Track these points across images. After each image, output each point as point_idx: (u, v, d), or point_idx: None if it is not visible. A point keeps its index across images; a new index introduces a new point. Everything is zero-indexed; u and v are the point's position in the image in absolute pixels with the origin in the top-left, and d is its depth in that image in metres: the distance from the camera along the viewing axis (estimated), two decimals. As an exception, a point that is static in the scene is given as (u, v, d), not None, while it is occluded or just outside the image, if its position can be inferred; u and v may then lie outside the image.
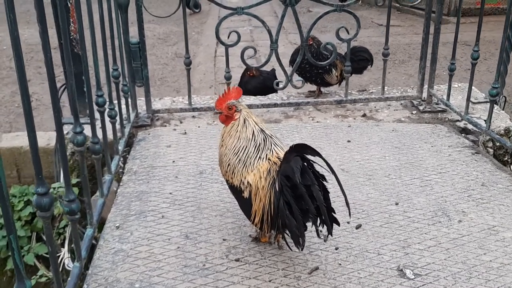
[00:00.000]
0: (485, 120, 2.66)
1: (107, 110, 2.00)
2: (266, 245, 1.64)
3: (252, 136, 1.58)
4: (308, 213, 1.40)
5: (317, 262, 1.57)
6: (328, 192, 1.45)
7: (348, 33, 2.72)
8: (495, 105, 3.01)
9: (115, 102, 2.21)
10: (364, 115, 2.85)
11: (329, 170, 1.41)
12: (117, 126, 2.19)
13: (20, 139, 3.40)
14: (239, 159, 1.56)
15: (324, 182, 1.46)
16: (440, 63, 3.70)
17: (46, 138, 3.39)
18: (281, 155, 1.52)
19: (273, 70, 3.55)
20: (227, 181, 1.63)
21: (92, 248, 1.64)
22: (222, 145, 1.63)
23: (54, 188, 2.72)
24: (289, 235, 1.46)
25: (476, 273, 1.53)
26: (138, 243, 1.64)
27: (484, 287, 1.47)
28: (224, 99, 1.62)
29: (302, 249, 1.46)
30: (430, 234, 1.72)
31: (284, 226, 1.45)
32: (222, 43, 2.65)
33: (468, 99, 2.57)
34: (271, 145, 1.58)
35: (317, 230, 1.45)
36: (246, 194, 1.54)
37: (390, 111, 2.92)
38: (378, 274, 1.51)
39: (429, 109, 2.88)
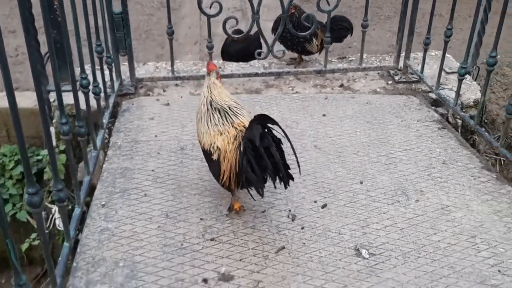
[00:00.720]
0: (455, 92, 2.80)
1: (91, 87, 2.11)
2: (240, 225, 1.81)
3: (212, 103, 1.85)
4: (267, 169, 1.63)
5: (284, 241, 1.75)
6: (283, 152, 1.67)
7: (329, 4, 2.77)
8: (468, 75, 3.13)
9: (99, 73, 2.30)
10: (341, 85, 2.96)
11: (284, 136, 1.67)
12: (102, 103, 2.29)
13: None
14: (207, 123, 1.82)
15: (281, 145, 1.68)
16: (420, 31, 3.76)
17: (33, 99, 3.45)
18: (247, 124, 1.74)
19: (257, 33, 3.58)
20: (200, 143, 1.88)
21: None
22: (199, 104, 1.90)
23: (43, 156, 2.85)
24: (252, 188, 1.73)
25: (424, 252, 1.73)
26: (122, 221, 1.81)
27: (429, 266, 1.67)
28: (212, 65, 1.96)
29: (262, 197, 1.71)
30: (388, 214, 1.90)
31: (247, 181, 1.68)
32: (205, 14, 2.69)
33: (439, 75, 2.69)
34: (236, 114, 1.83)
35: (274, 183, 1.68)
36: (215, 157, 1.78)
37: (367, 81, 3.03)
38: (337, 254, 1.70)
39: (404, 80, 2.99)
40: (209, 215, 1.85)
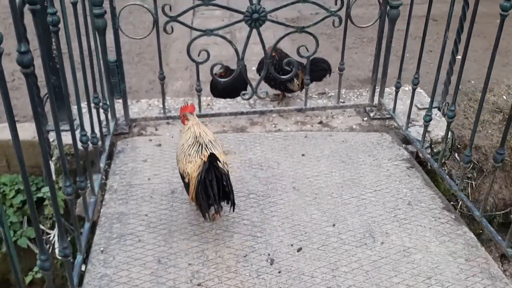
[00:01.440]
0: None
1: (90, 139, 2.34)
2: (224, 269, 2.05)
3: (190, 139, 2.25)
4: (210, 197, 2.08)
5: (262, 285, 1.98)
6: (228, 184, 2.14)
7: (307, 50, 3.00)
8: (438, 111, 3.39)
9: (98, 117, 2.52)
10: (320, 122, 3.20)
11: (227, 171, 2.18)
12: (99, 148, 2.51)
13: (8, 131, 3.66)
14: (184, 154, 2.23)
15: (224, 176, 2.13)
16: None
17: (32, 131, 3.65)
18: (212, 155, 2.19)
19: (244, 67, 3.81)
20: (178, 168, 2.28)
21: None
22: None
23: (44, 193, 3.07)
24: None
25: (385, 294, 1.97)
26: (119, 267, 2.04)
27: (389, 307, 1.92)
28: (184, 110, 2.38)
29: (206, 220, 2.22)
30: (355, 257, 2.15)
31: (199, 205, 2.16)
32: (193, 61, 2.91)
33: (408, 116, 2.94)
34: (206, 147, 2.22)
35: (216, 208, 2.19)
36: (186, 180, 2.21)
37: (345, 117, 3.27)
38: (309, 296, 1.95)
39: (379, 116, 3.24)
40: (196, 260, 2.09)
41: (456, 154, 3.74)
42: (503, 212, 4.04)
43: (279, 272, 2.05)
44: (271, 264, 2.09)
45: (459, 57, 5.14)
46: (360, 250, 2.18)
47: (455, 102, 2.46)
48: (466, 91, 4.46)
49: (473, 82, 4.69)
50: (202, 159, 2.15)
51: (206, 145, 2.22)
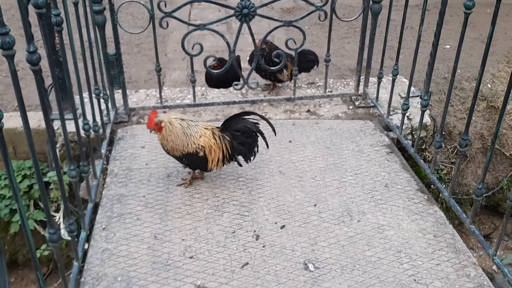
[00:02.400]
0: (407, 116, 3.26)
1: (91, 127, 2.55)
2: (213, 244, 2.27)
3: (181, 125, 2.47)
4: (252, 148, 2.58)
5: (248, 258, 2.21)
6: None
7: (295, 43, 3.19)
8: (419, 98, 3.58)
9: (99, 108, 2.74)
10: (308, 111, 3.40)
11: (268, 124, 2.61)
12: (100, 135, 2.73)
13: (14, 120, 3.87)
14: (187, 136, 2.47)
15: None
16: (391, 44, 4.18)
17: (37, 119, 3.87)
18: (214, 127, 2.56)
19: (238, 57, 4.00)
20: (182, 154, 2.49)
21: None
22: (168, 146, 2.50)
23: (49, 177, 3.29)
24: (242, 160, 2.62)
25: (358, 265, 2.19)
26: (119, 243, 2.26)
27: (361, 277, 2.14)
28: (150, 121, 2.48)
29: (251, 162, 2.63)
30: (333, 233, 2.37)
31: (237, 156, 2.59)
32: (187, 53, 3.11)
33: (389, 105, 3.14)
34: (197, 124, 2.54)
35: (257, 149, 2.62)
36: (201, 153, 2.49)
37: (331, 106, 3.47)
38: (289, 268, 2.17)
39: (363, 105, 3.44)
40: (189, 236, 2.31)
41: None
42: (485, 195, 4.26)
43: (263, 246, 2.27)
44: (256, 240, 2.31)
45: (447, 46, 5.33)
46: (338, 227, 2.40)
47: (428, 92, 2.65)
48: (451, 79, 4.64)
49: (459, 70, 4.86)
50: (208, 129, 2.52)
51: (195, 122, 2.51)
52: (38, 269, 1.60)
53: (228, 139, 2.53)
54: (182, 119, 2.51)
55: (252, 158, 2.59)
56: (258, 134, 2.57)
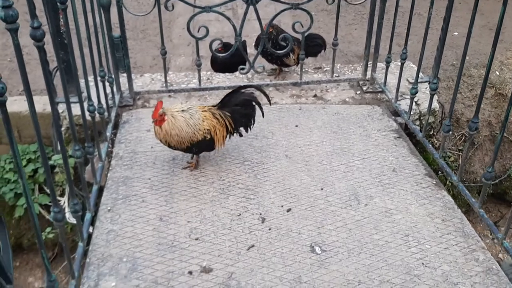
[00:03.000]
0: (415, 102, 3.23)
1: (96, 109, 2.53)
2: (219, 226, 2.25)
3: (183, 117, 2.44)
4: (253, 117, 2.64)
5: (254, 240, 2.19)
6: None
7: (302, 26, 3.15)
8: (428, 85, 3.53)
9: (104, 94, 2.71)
10: (315, 96, 3.36)
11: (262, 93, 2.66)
12: (105, 118, 2.70)
13: (18, 104, 3.85)
14: (192, 125, 2.44)
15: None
16: (399, 31, 4.12)
17: (42, 103, 3.85)
18: (210, 107, 2.57)
19: (244, 41, 3.96)
20: (191, 144, 2.46)
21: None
22: (173, 141, 2.44)
23: (54, 161, 3.28)
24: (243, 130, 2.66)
25: (366, 249, 2.17)
26: (124, 224, 2.24)
27: (368, 260, 2.11)
28: (156, 111, 2.40)
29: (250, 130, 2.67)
30: (340, 216, 2.34)
31: (239, 129, 2.63)
32: (193, 36, 3.07)
33: (397, 90, 3.10)
34: (197, 109, 2.52)
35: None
36: (208, 136, 2.49)
37: (338, 91, 3.43)
38: (295, 250, 2.15)
39: (371, 90, 3.40)
40: (194, 218, 2.29)
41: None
42: (492, 183, 4.21)
43: (269, 229, 2.25)
44: (262, 222, 2.29)
45: (455, 33, 5.27)
46: (345, 211, 2.37)
47: (437, 76, 2.61)
48: (462, 59, 4.58)
49: (467, 58, 4.79)
50: (206, 111, 2.52)
51: (193, 108, 2.50)
52: (43, 247, 1.59)
53: (229, 114, 2.55)
54: (183, 110, 2.48)
55: (252, 126, 2.66)
56: (255, 103, 2.61)
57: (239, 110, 2.57)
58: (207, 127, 2.48)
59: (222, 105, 2.58)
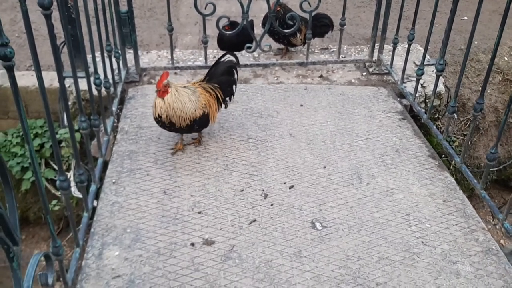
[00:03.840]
0: (421, 84, 3.22)
1: (103, 83, 2.54)
2: (222, 201, 2.28)
3: (186, 91, 2.46)
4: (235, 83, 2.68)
5: (256, 215, 2.21)
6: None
7: (310, 5, 3.13)
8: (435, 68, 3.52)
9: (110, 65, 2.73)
10: (321, 76, 3.36)
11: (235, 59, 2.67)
12: (111, 93, 2.72)
13: (26, 79, 3.88)
14: (193, 102, 2.46)
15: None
16: (407, 14, 4.10)
17: (49, 79, 3.87)
18: (199, 82, 2.60)
19: (251, 21, 3.94)
20: (192, 121, 2.45)
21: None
22: (174, 116, 2.41)
23: (60, 135, 3.31)
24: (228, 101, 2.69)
25: (366, 226, 2.19)
26: (129, 196, 2.28)
27: (368, 237, 2.14)
28: (161, 81, 2.39)
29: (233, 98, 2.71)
30: (342, 194, 2.36)
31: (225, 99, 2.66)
32: (200, 13, 3.07)
33: (403, 72, 3.09)
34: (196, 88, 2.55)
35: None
36: (206, 111, 2.51)
37: (344, 72, 3.43)
38: (296, 226, 2.17)
39: (377, 71, 3.39)
40: (197, 192, 2.32)
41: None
42: (496, 169, 4.22)
43: (272, 205, 2.28)
44: (264, 198, 2.31)
45: (465, 18, 5.22)
46: (347, 189, 2.39)
47: (444, 56, 2.59)
48: (469, 51, 4.55)
49: (476, 42, 4.76)
50: (197, 86, 2.55)
51: (190, 86, 2.53)
52: (49, 213, 1.62)
53: (218, 85, 2.58)
54: (185, 86, 2.49)
55: (234, 94, 2.71)
56: (234, 70, 2.67)
57: (225, 80, 2.61)
58: (203, 102, 2.51)
59: (209, 78, 2.60)
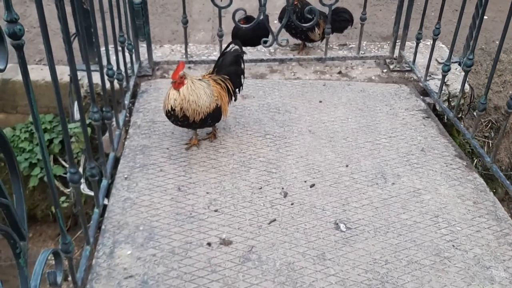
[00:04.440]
0: (445, 82, 3.08)
1: (115, 74, 2.44)
2: (239, 199, 2.16)
3: (202, 84, 2.34)
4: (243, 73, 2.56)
5: (275, 214, 2.09)
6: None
7: (330, -2, 3.02)
8: (458, 65, 3.39)
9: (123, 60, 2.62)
10: (340, 72, 3.24)
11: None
12: (124, 84, 2.61)
13: (35, 73, 3.78)
14: (207, 95, 2.33)
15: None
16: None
17: (58, 73, 3.77)
18: (209, 75, 2.48)
19: (267, 16, 3.83)
20: (206, 115, 2.33)
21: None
22: (189, 110, 2.28)
23: (70, 129, 3.20)
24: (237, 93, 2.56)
25: (393, 228, 2.06)
26: (142, 192, 2.16)
27: (395, 240, 2.01)
28: (177, 72, 2.26)
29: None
30: (366, 194, 2.23)
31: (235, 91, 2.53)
32: (216, 5, 2.96)
33: (427, 68, 2.96)
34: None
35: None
36: (219, 103, 2.39)
37: (364, 69, 3.30)
38: (319, 226, 2.05)
39: (398, 68, 3.26)
40: (213, 190, 2.20)
41: (474, 113, 3.75)
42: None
43: (292, 204, 2.15)
44: (284, 197, 2.19)
45: (485, 17, 5.09)
46: (371, 189, 2.26)
47: (473, 51, 2.46)
48: (489, 51, 4.41)
49: (497, 42, 4.62)
50: (209, 79, 2.43)
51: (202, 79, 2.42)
52: (58, 206, 1.51)
53: (228, 77, 2.47)
54: (199, 79, 2.37)
55: (243, 85, 2.59)
56: (241, 59, 2.54)
57: (233, 71, 2.49)
58: (216, 94, 2.40)
59: (218, 69, 2.49)
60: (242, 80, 2.55)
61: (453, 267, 1.89)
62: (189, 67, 3.20)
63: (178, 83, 2.26)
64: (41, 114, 3.86)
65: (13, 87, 3.75)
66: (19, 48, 1.23)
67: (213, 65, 3.19)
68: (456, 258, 1.93)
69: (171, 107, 2.28)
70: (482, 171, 3.38)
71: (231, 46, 2.51)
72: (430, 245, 1.98)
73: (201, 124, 2.39)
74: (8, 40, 1.18)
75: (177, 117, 2.30)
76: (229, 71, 2.48)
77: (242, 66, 2.54)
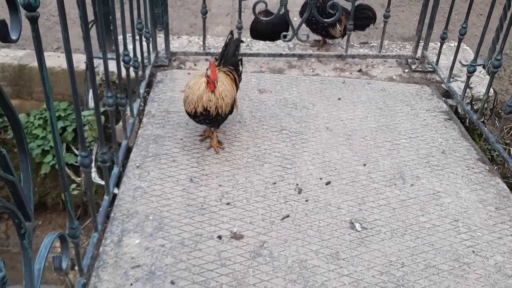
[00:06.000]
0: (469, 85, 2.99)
1: (131, 62, 2.39)
2: (252, 193, 2.10)
3: (221, 76, 2.27)
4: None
5: (289, 210, 2.03)
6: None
7: (353, -6, 2.94)
8: (483, 69, 3.29)
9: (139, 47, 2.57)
10: (360, 70, 3.16)
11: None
12: (140, 73, 2.57)
13: (51, 60, 3.76)
14: (231, 87, 2.30)
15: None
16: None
17: (75, 61, 3.75)
18: (223, 69, 2.38)
19: (287, 11, 3.76)
20: (231, 109, 2.28)
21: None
22: (222, 106, 2.19)
23: (84, 116, 3.17)
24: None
25: (410, 230, 1.98)
26: (153, 182, 2.11)
27: (413, 243, 1.93)
28: (214, 73, 2.13)
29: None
30: (384, 195, 2.16)
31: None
32: (236, -4, 2.90)
33: (451, 69, 2.87)
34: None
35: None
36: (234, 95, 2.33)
37: (385, 68, 3.22)
38: (334, 225, 1.98)
39: (421, 69, 3.17)
40: (226, 182, 2.14)
41: (496, 120, 3.64)
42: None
43: (306, 200, 2.09)
44: (298, 193, 2.12)
45: (506, 22, 4.96)
46: (389, 189, 2.19)
47: (502, 52, 2.37)
48: (514, 56, 4.30)
49: (518, 47, 4.51)
50: (223, 72, 2.34)
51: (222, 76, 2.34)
52: (67, 190, 1.46)
53: (233, 68, 2.41)
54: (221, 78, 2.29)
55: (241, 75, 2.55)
56: (237, 48, 2.49)
57: (235, 62, 2.45)
58: (232, 86, 2.35)
59: (224, 61, 2.41)
60: (241, 69, 2.51)
61: (472, 273, 1.81)
62: (206, 59, 3.15)
63: (212, 86, 2.14)
64: (55, 102, 3.84)
65: (29, 73, 3.73)
66: (33, 21, 1.18)
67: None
68: (476, 264, 1.85)
69: (205, 108, 2.16)
70: (502, 180, 3.28)
71: (229, 36, 2.47)
72: (449, 250, 1.90)
73: (225, 117, 2.30)
74: (22, 12, 1.14)
75: (206, 116, 2.20)
76: (233, 62, 2.43)
77: (239, 57, 2.51)
